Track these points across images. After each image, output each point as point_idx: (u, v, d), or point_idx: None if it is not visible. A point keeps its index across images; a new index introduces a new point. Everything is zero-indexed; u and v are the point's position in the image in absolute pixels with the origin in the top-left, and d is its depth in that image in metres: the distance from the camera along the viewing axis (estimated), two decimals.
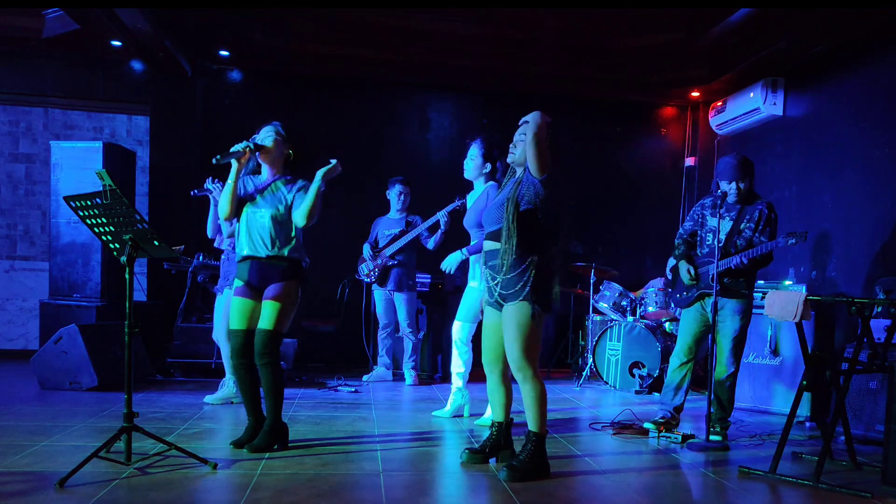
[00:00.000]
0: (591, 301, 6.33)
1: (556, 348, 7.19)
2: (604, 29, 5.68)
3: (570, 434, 4.18)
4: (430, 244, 5.72)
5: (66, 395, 4.88)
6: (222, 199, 3.56)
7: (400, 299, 5.92)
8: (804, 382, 3.43)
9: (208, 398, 4.71)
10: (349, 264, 6.28)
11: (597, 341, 6.06)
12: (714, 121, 6.93)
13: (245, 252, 3.57)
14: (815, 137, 5.73)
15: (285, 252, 3.54)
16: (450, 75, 7.02)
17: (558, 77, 6.93)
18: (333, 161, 3.56)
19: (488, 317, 3.39)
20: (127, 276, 3.10)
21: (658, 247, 7.04)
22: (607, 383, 5.99)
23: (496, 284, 3.22)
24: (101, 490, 2.80)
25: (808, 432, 4.50)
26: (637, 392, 5.74)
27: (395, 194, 5.96)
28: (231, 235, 4.50)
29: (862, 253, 5.10)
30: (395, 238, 5.89)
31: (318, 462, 3.35)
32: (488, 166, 4.30)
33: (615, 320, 6.17)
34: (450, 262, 4.40)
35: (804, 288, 4.97)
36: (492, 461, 3.45)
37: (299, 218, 3.50)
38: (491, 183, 4.29)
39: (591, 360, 6.09)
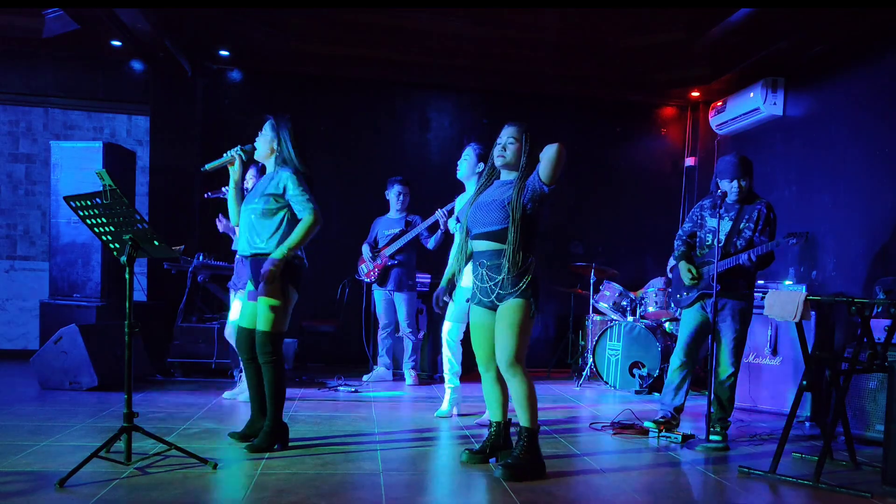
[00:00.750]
0: (591, 301, 6.33)
1: (556, 348, 7.19)
2: (604, 29, 5.68)
3: (570, 434, 4.18)
4: (430, 244, 5.73)
5: (66, 395, 4.88)
6: (229, 208, 3.64)
7: (400, 299, 5.92)
8: (804, 382, 3.43)
9: (227, 394, 4.88)
10: (349, 264, 6.28)
11: (597, 341, 6.06)
12: (714, 121, 6.93)
13: (238, 249, 3.63)
14: (815, 137, 5.73)
15: (266, 248, 3.48)
16: (450, 75, 7.02)
17: (558, 77, 6.93)
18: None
19: (478, 317, 3.36)
20: (127, 276, 3.11)
21: (658, 247, 7.04)
22: (607, 383, 5.99)
23: (494, 285, 3.21)
24: (101, 490, 2.80)
25: (808, 432, 4.50)
26: (637, 392, 5.74)
27: (394, 194, 5.96)
28: None
29: (862, 253, 5.10)
30: (394, 238, 5.89)
31: (318, 462, 3.35)
32: (481, 166, 4.32)
33: (615, 320, 6.17)
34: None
35: (804, 288, 4.97)
36: (492, 461, 3.45)
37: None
38: None
39: (591, 360, 6.09)
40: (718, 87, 6.76)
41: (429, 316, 6.36)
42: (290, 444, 3.61)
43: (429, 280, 6.37)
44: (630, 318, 6.07)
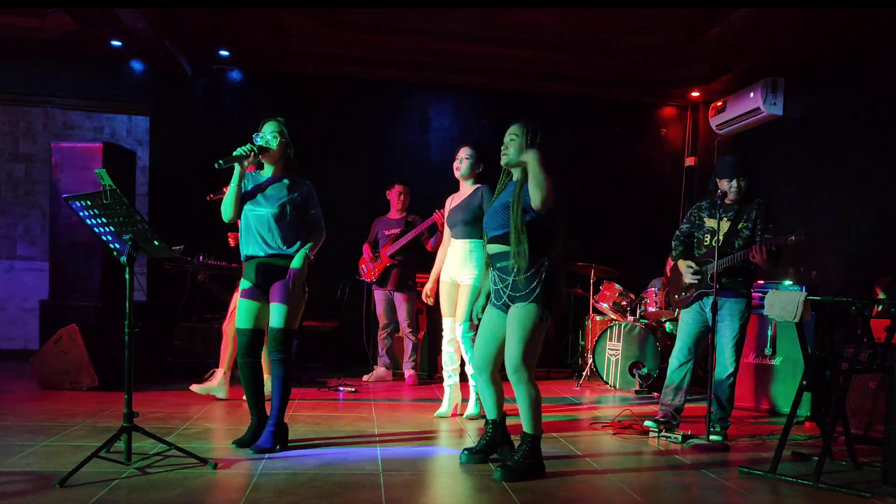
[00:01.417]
0: (591, 301, 6.33)
1: (556, 348, 7.19)
2: (603, 29, 5.68)
3: (570, 434, 4.18)
4: (431, 244, 5.73)
5: (66, 395, 4.88)
6: (226, 202, 3.55)
7: (400, 299, 5.93)
8: (804, 382, 3.43)
9: (196, 387, 4.81)
10: (349, 264, 6.28)
11: (597, 341, 6.06)
12: (714, 121, 6.93)
13: (248, 252, 3.57)
14: (815, 137, 5.73)
15: (287, 249, 3.53)
16: (450, 75, 7.02)
17: (558, 77, 6.93)
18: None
19: (490, 319, 3.36)
20: (127, 276, 3.10)
21: (658, 247, 7.02)
22: (607, 383, 5.99)
23: (505, 286, 3.21)
24: (101, 490, 2.80)
25: (808, 432, 4.50)
26: (637, 392, 5.74)
27: (395, 194, 5.97)
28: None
29: (862, 253, 5.10)
30: (395, 238, 5.89)
31: (318, 462, 3.35)
32: (481, 166, 4.33)
33: (615, 320, 6.17)
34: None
35: (804, 288, 4.97)
36: (491, 457, 3.45)
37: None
38: (483, 186, 4.32)
39: (591, 360, 6.09)
40: (718, 87, 6.76)
41: (428, 316, 6.35)
42: (290, 444, 3.61)
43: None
44: (630, 318, 6.07)
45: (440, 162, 7.26)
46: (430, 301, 4.70)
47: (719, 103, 6.82)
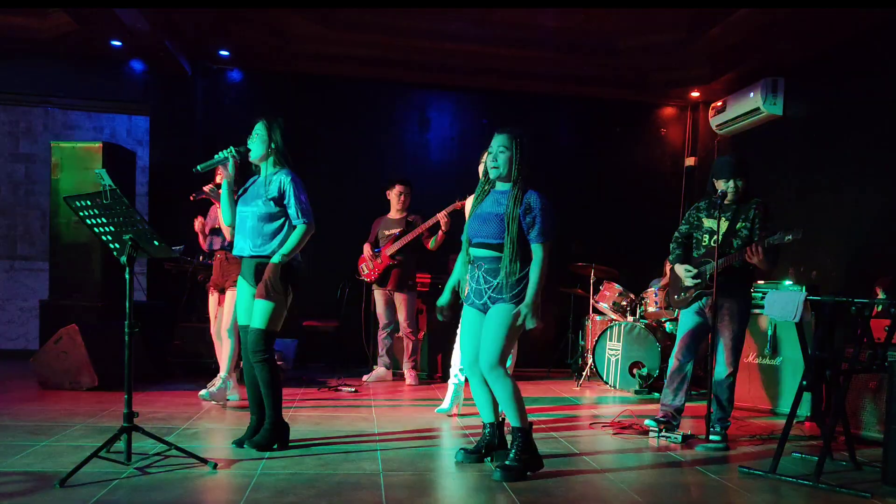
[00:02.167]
0: (591, 301, 6.33)
1: (556, 348, 7.19)
2: (604, 29, 5.68)
3: (569, 434, 4.18)
4: (431, 244, 5.74)
5: (66, 395, 4.88)
6: (224, 209, 3.62)
7: (400, 299, 5.93)
8: (804, 382, 3.43)
9: (204, 393, 4.69)
10: (349, 264, 6.28)
11: (597, 341, 6.06)
12: (714, 121, 6.92)
13: (237, 251, 3.62)
14: (815, 137, 5.72)
15: (267, 250, 3.52)
16: (450, 75, 7.02)
17: (558, 77, 6.93)
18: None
19: (468, 318, 3.39)
20: (127, 276, 3.11)
21: (658, 247, 7.01)
22: (607, 383, 5.99)
23: (488, 287, 3.24)
24: (101, 490, 2.80)
25: (808, 432, 4.50)
26: (637, 392, 5.74)
27: (395, 194, 5.97)
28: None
29: (862, 253, 5.10)
30: (395, 238, 5.89)
31: (318, 462, 3.35)
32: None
33: (615, 320, 6.17)
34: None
35: (804, 288, 4.97)
36: (486, 461, 3.45)
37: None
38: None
39: (591, 360, 6.09)
40: (718, 87, 6.76)
41: (428, 316, 6.36)
42: (290, 444, 3.61)
43: (429, 280, 6.37)
44: (630, 318, 6.07)
45: (440, 162, 7.27)
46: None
47: (719, 103, 6.81)
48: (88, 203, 3.07)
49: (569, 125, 7.49)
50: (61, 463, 3.12)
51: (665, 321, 6.10)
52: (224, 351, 4.74)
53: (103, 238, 3.20)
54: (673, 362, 4.23)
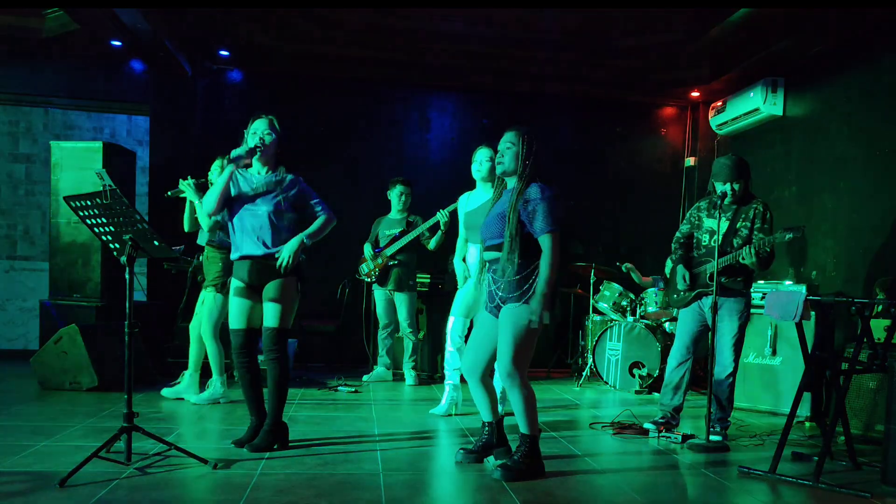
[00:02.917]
0: (591, 301, 6.33)
1: (556, 348, 7.19)
2: (604, 29, 5.68)
3: (570, 434, 4.18)
4: (431, 244, 5.74)
5: (66, 395, 4.88)
6: (212, 195, 3.51)
7: (400, 299, 5.93)
8: (804, 382, 3.43)
9: (194, 398, 4.70)
10: (349, 264, 6.29)
11: (597, 341, 6.06)
12: (714, 121, 6.93)
13: (243, 251, 3.55)
14: (815, 137, 5.72)
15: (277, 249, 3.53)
16: (450, 75, 7.02)
17: (558, 77, 6.92)
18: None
19: (482, 323, 3.37)
20: (127, 276, 3.11)
21: (658, 247, 7.03)
22: (607, 383, 5.99)
23: (498, 287, 3.22)
24: (101, 490, 2.80)
25: (808, 432, 4.50)
26: (637, 392, 5.74)
27: (395, 194, 5.97)
28: (212, 230, 4.58)
29: (862, 253, 5.10)
30: (395, 238, 5.89)
31: (318, 462, 3.35)
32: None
33: (615, 320, 6.17)
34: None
35: (804, 288, 4.97)
36: (486, 460, 3.45)
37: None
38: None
39: (591, 360, 6.09)
40: (718, 87, 6.76)
41: (429, 316, 6.36)
42: (290, 444, 3.61)
43: (429, 280, 6.37)
44: (630, 319, 6.07)
45: (440, 162, 7.26)
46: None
47: (719, 103, 6.81)
48: (88, 203, 3.07)
49: (569, 125, 7.48)
50: (61, 463, 3.12)
51: (665, 321, 6.10)
52: (201, 351, 4.77)
53: (103, 238, 3.20)
54: (672, 362, 4.24)
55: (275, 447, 3.52)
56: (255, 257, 3.53)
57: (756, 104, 6.15)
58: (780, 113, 6.12)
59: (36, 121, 7.70)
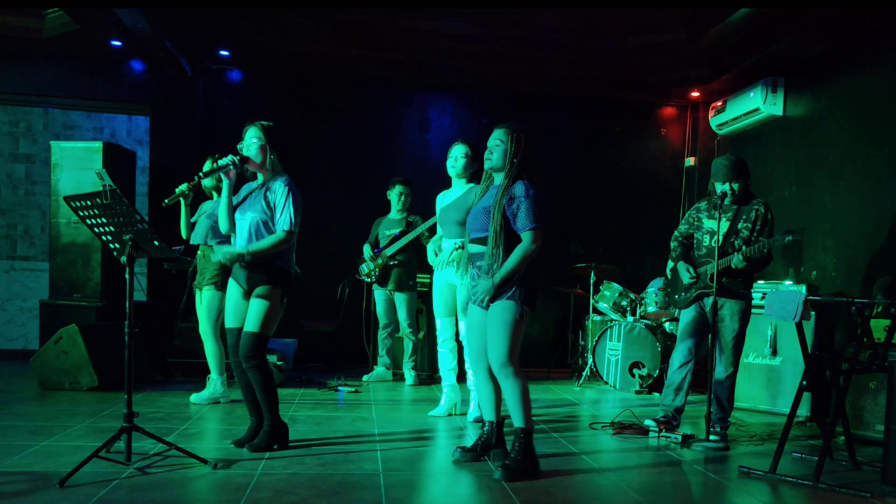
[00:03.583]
0: (591, 301, 6.33)
1: (556, 348, 7.19)
2: (604, 29, 5.68)
3: (570, 434, 4.18)
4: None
5: (66, 395, 4.88)
6: (220, 215, 3.56)
7: (400, 299, 5.93)
8: (804, 382, 3.43)
9: (194, 397, 4.71)
10: (349, 264, 6.28)
11: (597, 341, 6.06)
12: (714, 121, 6.92)
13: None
14: (815, 137, 5.72)
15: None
16: (450, 75, 7.02)
17: (558, 77, 6.93)
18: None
19: (472, 316, 3.42)
20: (127, 276, 3.11)
21: (658, 247, 7.03)
22: (607, 383, 5.99)
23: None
24: (101, 490, 2.80)
25: (808, 432, 4.50)
26: (637, 392, 5.74)
27: (395, 195, 5.97)
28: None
29: (862, 253, 5.10)
30: (395, 238, 5.89)
31: (318, 462, 3.35)
32: (475, 165, 4.33)
33: (615, 320, 6.17)
34: None
35: (804, 288, 4.97)
36: (484, 459, 3.45)
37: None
38: (477, 185, 4.31)
39: (591, 360, 6.09)
40: (718, 87, 6.76)
41: (428, 316, 6.35)
42: (290, 444, 3.61)
43: (429, 280, 6.36)
44: (630, 319, 6.07)
45: (440, 162, 7.20)
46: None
47: (719, 103, 6.81)
48: (88, 203, 3.07)
49: (569, 125, 7.48)
50: (61, 463, 3.12)
51: (665, 321, 6.10)
52: (210, 351, 4.76)
53: (103, 238, 3.20)
54: (674, 363, 4.24)
55: (275, 447, 3.52)
56: (243, 262, 3.54)
57: (756, 104, 6.15)
58: (780, 113, 6.12)
59: (36, 121, 7.70)
